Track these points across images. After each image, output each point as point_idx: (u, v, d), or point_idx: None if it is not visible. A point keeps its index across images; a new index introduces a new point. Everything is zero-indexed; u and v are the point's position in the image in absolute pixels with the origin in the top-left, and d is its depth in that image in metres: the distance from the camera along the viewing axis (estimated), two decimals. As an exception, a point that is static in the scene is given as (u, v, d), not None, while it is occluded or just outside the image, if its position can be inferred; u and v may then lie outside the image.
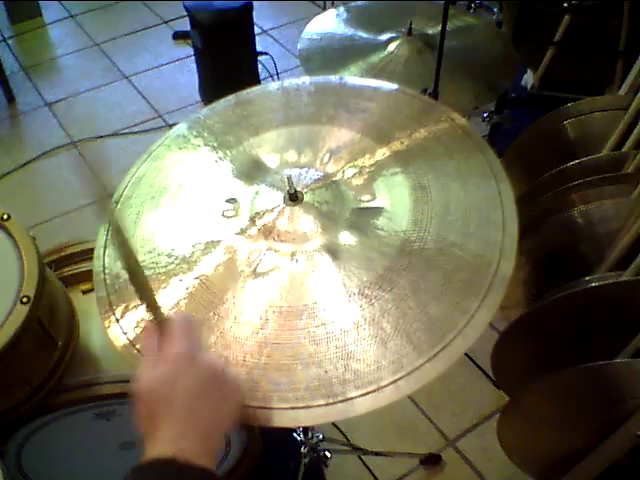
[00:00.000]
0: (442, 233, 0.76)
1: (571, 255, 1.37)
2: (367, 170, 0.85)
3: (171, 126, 1.03)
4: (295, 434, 1.30)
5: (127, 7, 3.06)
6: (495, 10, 2.31)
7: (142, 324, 0.76)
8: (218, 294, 0.76)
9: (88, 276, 1.14)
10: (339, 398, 0.66)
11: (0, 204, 0.99)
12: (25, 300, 0.89)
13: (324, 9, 2.48)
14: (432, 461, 1.50)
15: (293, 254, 0.78)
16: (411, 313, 0.70)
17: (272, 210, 0.81)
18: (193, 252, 0.81)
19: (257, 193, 0.85)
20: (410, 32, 1.56)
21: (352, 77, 1.10)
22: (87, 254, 1.19)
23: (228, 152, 0.92)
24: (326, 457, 1.31)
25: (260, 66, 2.51)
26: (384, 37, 1.59)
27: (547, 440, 1.19)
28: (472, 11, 2.30)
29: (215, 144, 0.93)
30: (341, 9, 1.70)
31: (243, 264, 0.78)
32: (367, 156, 0.87)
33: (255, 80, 2.47)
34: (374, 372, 0.67)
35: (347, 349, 0.69)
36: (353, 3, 1.73)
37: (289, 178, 0.80)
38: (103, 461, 1.19)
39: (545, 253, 1.40)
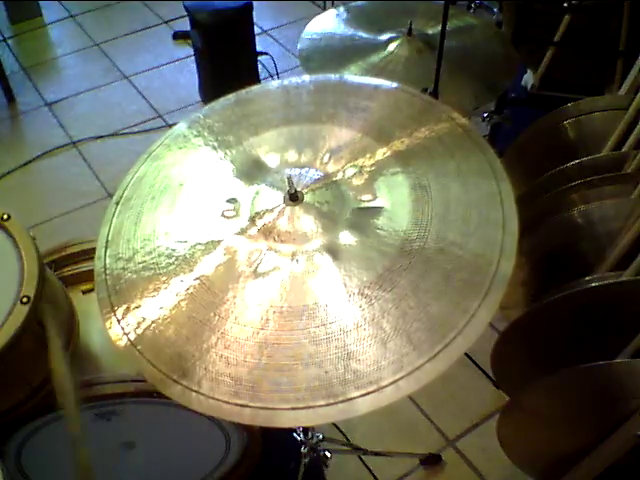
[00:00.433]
0: (442, 232, 0.76)
1: (571, 255, 1.37)
2: (367, 170, 0.85)
3: (171, 126, 1.03)
4: (295, 434, 1.30)
5: (127, 7, 3.06)
6: (495, 10, 2.31)
7: (143, 324, 0.76)
8: (219, 294, 0.76)
9: (88, 276, 1.14)
10: (340, 398, 0.66)
11: (0, 204, 0.99)
12: (25, 300, 0.88)
13: (324, 9, 2.48)
14: (432, 461, 1.50)
15: (293, 254, 0.78)
16: (411, 313, 0.70)
17: (272, 210, 0.81)
18: (193, 252, 0.81)
19: (257, 193, 0.85)
20: (410, 32, 1.56)
21: (352, 75, 1.09)
22: (87, 254, 1.19)
23: (228, 152, 0.92)
24: (326, 457, 1.31)
25: (260, 66, 2.51)
26: (384, 37, 1.59)
27: (547, 440, 1.19)
28: (472, 11, 2.30)
29: (215, 144, 0.93)
30: (341, 9, 1.70)
31: (244, 264, 0.78)
32: (367, 155, 0.87)
33: (255, 80, 2.47)
34: (374, 372, 0.67)
35: (347, 349, 0.69)
36: (353, 3, 1.73)
37: (289, 178, 0.80)
38: (103, 461, 1.19)
39: (545, 253, 1.40)
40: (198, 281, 0.78)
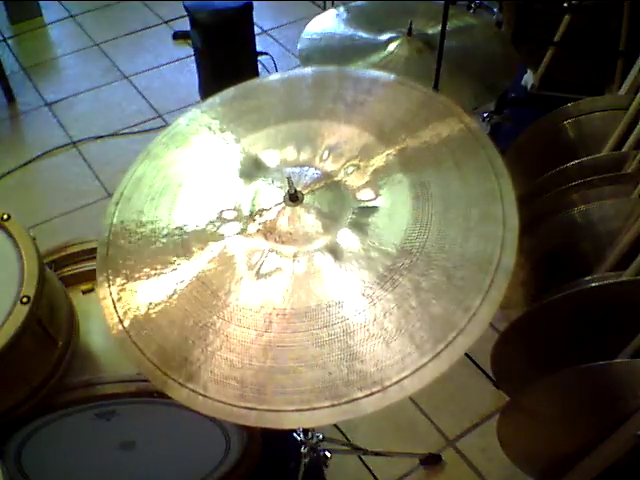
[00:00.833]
0: (443, 230, 0.76)
1: (571, 255, 1.37)
2: (367, 168, 0.85)
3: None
4: (295, 434, 1.30)
5: (127, 7, 3.06)
6: (495, 10, 2.31)
7: (147, 328, 0.76)
8: (222, 297, 0.76)
9: (88, 276, 1.14)
10: (344, 399, 0.67)
11: (0, 204, 0.99)
12: (25, 300, 0.88)
13: (324, 9, 2.48)
14: (432, 461, 1.50)
15: (295, 255, 0.78)
16: (413, 312, 0.70)
17: (272, 210, 0.81)
18: (194, 253, 0.80)
19: (257, 193, 0.85)
20: (410, 32, 1.55)
21: (350, 69, 1.09)
22: (87, 254, 1.19)
23: (227, 150, 0.91)
24: (326, 457, 1.31)
25: (260, 66, 2.51)
26: (384, 37, 1.59)
27: (547, 440, 1.18)
28: (472, 11, 2.30)
29: (215, 142, 0.93)
30: (341, 9, 1.70)
31: (245, 266, 0.78)
32: (367, 154, 0.86)
33: (255, 80, 2.46)
34: (378, 373, 0.67)
35: (350, 350, 0.69)
36: (353, 3, 1.73)
37: (289, 178, 0.80)
38: (103, 461, 1.19)
39: (545, 253, 1.40)
40: (200, 283, 0.77)
